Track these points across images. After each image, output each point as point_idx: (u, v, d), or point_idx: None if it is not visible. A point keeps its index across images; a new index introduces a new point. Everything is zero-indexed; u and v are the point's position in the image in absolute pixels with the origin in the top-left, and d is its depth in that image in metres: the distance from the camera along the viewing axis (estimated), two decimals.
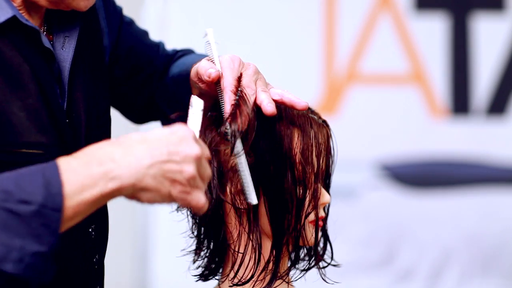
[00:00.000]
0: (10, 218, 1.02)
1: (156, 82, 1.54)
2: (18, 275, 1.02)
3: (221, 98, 1.28)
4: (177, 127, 1.11)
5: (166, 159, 1.09)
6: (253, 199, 1.25)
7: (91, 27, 1.36)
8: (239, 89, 1.27)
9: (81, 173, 1.06)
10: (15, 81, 1.20)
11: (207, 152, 1.13)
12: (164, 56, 1.57)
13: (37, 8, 1.26)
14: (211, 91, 1.31)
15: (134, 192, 1.09)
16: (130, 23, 1.55)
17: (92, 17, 1.38)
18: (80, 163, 1.07)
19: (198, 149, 1.10)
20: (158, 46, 1.58)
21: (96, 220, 1.33)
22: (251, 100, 1.26)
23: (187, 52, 1.58)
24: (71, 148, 1.23)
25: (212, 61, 1.30)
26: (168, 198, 1.10)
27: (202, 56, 1.43)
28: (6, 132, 1.12)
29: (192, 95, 1.23)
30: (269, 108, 1.26)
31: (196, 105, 1.22)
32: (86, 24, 1.34)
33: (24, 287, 1.13)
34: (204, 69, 1.29)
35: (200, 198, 1.11)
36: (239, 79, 1.28)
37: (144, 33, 1.58)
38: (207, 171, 1.12)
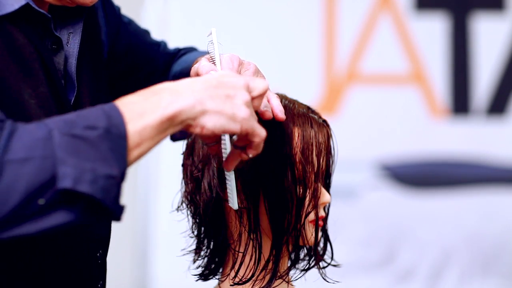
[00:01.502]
0: (78, 143, 1.01)
1: (157, 81, 1.54)
2: (95, 197, 1.00)
3: None
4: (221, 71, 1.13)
5: (216, 84, 1.09)
6: (234, 204, 1.23)
7: (90, 25, 1.37)
8: None
9: (139, 102, 1.06)
10: (27, 69, 1.20)
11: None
12: (165, 54, 1.57)
13: (41, 4, 1.26)
14: None
15: (197, 116, 1.07)
16: (129, 22, 1.55)
17: (90, 14, 1.38)
18: (136, 97, 1.07)
19: (244, 79, 1.11)
20: (159, 45, 1.58)
21: None
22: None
23: (189, 50, 1.58)
24: None
25: (213, 60, 1.30)
26: (233, 122, 1.08)
27: (204, 54, 1.43)
28: (19, 117, 1.12)
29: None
30: (280, 114, 1.25)
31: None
32: (86, 22, 1.35)
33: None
34: (204, 70, 1.29)
35: (262, 129, 1.11)
36: None
37: (144, 32, 1.59)
38: (259, 102, 1.13)
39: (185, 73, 1.44)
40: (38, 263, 1.22)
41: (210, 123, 1.08)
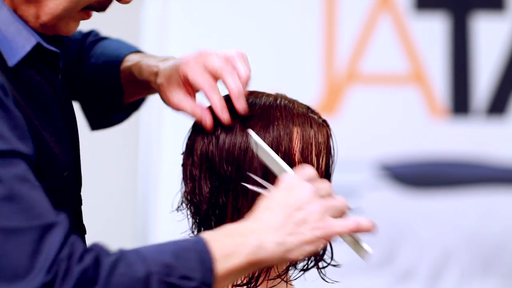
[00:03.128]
0: None
1: (76, 73, 1.50)
2: None
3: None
4: (284, 180, 1.15)
5: (290, 212, 1.12)
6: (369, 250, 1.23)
7: None
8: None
9: (226, 243, 1.09)
10: (44, 106, 1.19)
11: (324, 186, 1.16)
12: (74, 41, 1.52)
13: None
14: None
15: (283, 258, 1.11)
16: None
17: None
18: (222, 234, 1.10)
19: (309, 186, 1.13)
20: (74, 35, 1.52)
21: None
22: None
23: (99, 38, 1.54)
24: (76, 162, 1.25)
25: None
26: (316, 243, 1.13)
27: (125, 47, 1.44)
28: (48, 159, 1.13)
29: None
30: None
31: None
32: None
33: None
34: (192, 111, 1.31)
35: (343, 222, 1.14)
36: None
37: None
38: (333, 201, 1.15)
39: (112, 66, 1.43)
40: None
41: (297, 255, 1.12)
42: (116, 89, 1.44)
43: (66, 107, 1.24)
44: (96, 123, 1.55)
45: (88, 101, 1.50)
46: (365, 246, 1.21)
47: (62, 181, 1.19)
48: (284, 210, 1.11)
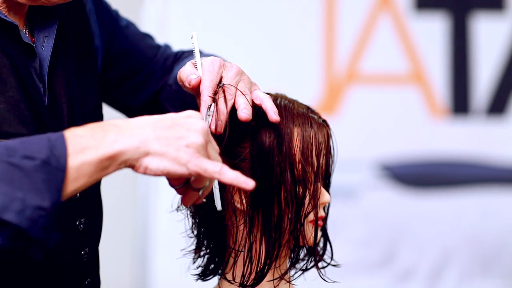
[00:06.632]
0: (13, 172, 1.03)
1: (155, 83, 1.54)
2: (19, 226, 1.02)
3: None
4: (186, 111, 1.12)
5: (170, 125, 1.09)
6: (218, 205, 1.22)
7: (79, 29, 1.37)
8: (216, 95, 1.26)
9: (85, 136, 1.06)
10: None
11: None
12: (165, 57, 1.56)
13: (18, 8, 1.28)
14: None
15: (140, 157, 1.08)
16: (127, 26, 1.55)
17: (81, 19, 1.39)
18: (84, 130, 1.08)
19: (205, 124, 1.10)
20: (159, 48, 1.58)
21: (85, 214, 1.34)
22: (229, 105, 1.25)
23: (191, 52, 1.58)
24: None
25: (196, 65, 1.29)
26: (177, 165, 1.08)
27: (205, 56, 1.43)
28: None
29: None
30: (243, 114, 1.24)
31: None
32: (74, 27, 1.36)
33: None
34: (185, 75, 1.28)
35: (215, 164, 1.09)
36: (219, 83, 1.27)
37: (143, 36, 1.58)
38: (215, 154, 1.11)
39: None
40: (20, 261, 1.23)
41: (152, 165, 1.08)
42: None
43: (29, 81, 1.25)
44: None
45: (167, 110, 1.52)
46: (217, 202, 1.21)
47: None
48: (164, 122, 1.09)
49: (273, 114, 1.26)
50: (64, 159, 1.04)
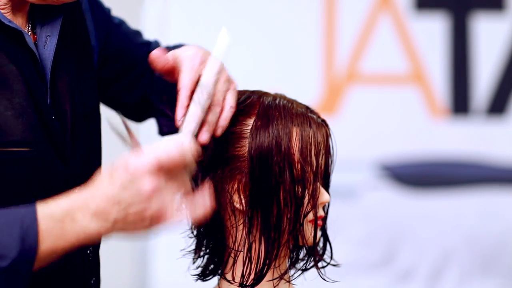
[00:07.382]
0: None
1: (147, 80, 1.54)
2: None
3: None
4: (128, 165, 1.12)
5: (129, 202, 1.10)
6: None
7: (76, 28, 1.37)
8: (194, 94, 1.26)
9: (56, 226, 1.09)
10: (1, 81, 1.20)
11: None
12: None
13: (21, 6, 1.27)
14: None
15: (112, 234, 1.12)
16: (120, 24, 1.55)
17: (78, 18, 1.39)
18: (56, 214, 1.09)
19: (149, 184, 1.10)
20: (149, 44, 1.58)
21: None
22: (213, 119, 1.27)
23: (178, 46, 1.58)
24: (59, 144, 1.25)
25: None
26: (144, 231, 1.13)
27: None
28: None
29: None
30: (201, 138, 1.25)
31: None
32: (72, 26, 1.35)
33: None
34: (154, 55, 1.30)
35: (171, 212, 1.12)
36: (197, 81, 1.27)
37: (134, 33, 1.58)
38: (170, 188, 1.12)
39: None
40: None
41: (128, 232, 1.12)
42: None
43: (34, 84, 1.25)
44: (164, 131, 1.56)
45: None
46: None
47: (6, 154, 1.19)
48: (122, 200, 1.10)
49: (206, 132, 1.26)
50: (34, 253, 1.07)
